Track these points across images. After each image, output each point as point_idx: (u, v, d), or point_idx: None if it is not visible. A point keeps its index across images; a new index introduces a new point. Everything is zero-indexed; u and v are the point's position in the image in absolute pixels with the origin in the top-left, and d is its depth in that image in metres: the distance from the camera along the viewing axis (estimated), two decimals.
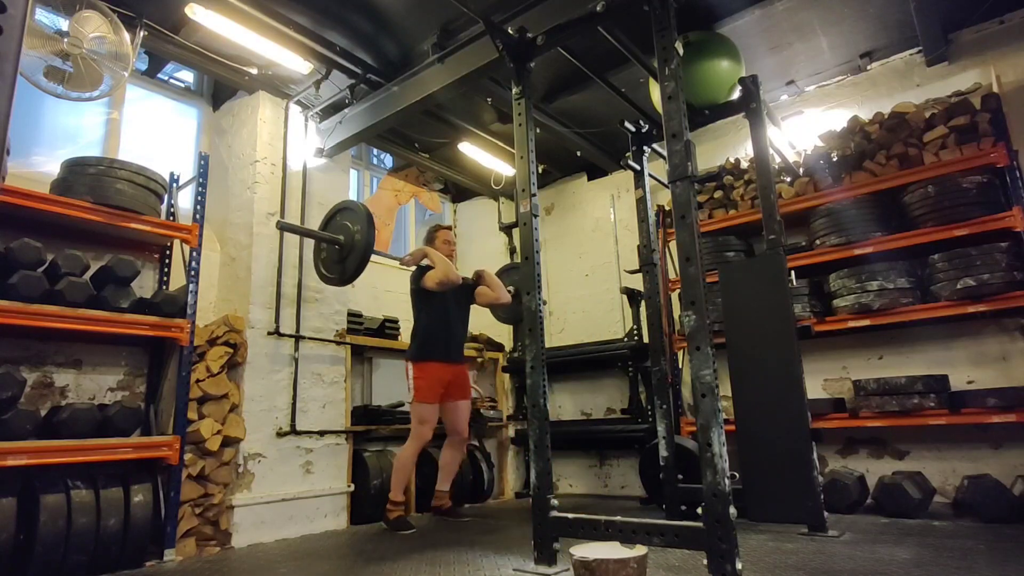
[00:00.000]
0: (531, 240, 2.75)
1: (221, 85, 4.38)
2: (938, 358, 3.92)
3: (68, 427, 2.80)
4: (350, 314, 4.49)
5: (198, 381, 3.40)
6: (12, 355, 3.02)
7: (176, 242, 3.57)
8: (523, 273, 2.76)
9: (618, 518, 2.29)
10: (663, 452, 3.54)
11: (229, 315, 3.72)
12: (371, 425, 4.39)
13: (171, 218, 3.55)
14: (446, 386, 3.84)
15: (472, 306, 4.14)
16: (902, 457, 3.96)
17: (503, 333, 5.94)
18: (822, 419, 3.86)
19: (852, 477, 3.65)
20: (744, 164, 4.71)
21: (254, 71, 4.01)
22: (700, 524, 2.02)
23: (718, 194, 4.71)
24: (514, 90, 2.94)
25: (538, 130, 4.54)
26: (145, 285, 3.54)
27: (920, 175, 3.79)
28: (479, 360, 5.34)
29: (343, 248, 3.73)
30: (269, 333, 3.84)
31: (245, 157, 4.13)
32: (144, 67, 4.09)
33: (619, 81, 4.31)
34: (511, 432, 5.52)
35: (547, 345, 2.84)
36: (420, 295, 3.87)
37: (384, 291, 5.37)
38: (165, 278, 3.64)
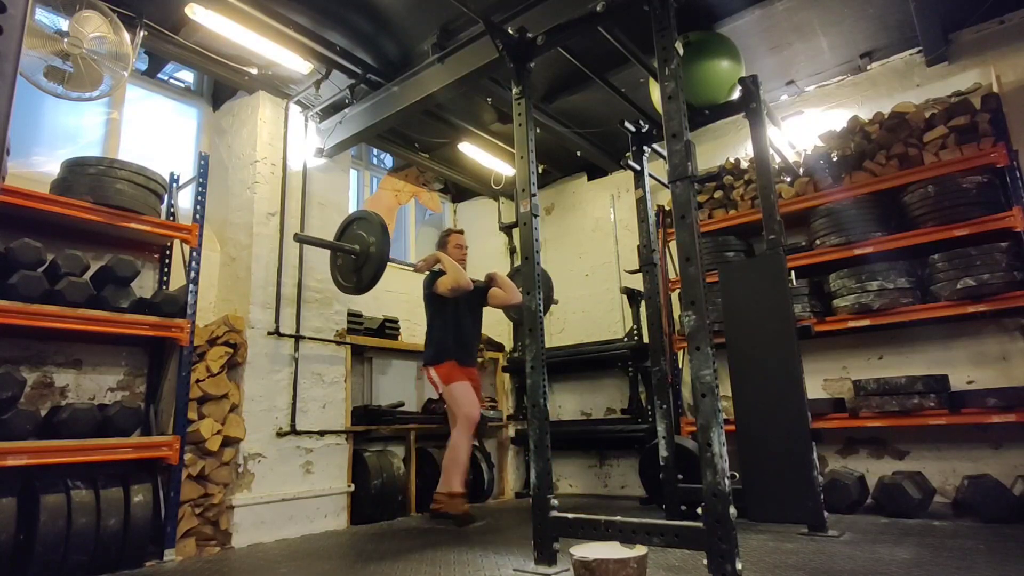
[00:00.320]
0: (531, 240, 2.75)
1: (221, 85, 4.38)
2: (938, 358, 3.92)
3: (68, 427, 2.80)
4: (350, 314, 4.49)
5: (198, 381, 3.40)
6: (12, 355, 3.02)
7: (176, 242, 3.57)
8: (523, 273, 2.77)
9: (618, 518, 2.29)
10: (663, 452, 3.54)
11: (229, 315, 3.72)
12: (371, 425, 4.39)
13: (171, 218, 3.55)
14: None
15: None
16: (902, 457, 3.96)
17: (503, 333, 5.95)
18: (822, 419, 3.86)
19: (852, 477, 3.65)
20: (744, 164, 4.71)
21: (254, 71, 4.01)
22: (700, 524, 2.02)
23: (718, 194, 4.71)
24: (514, 90, 2.94)
25: (538, 130, 4.54)
26: (145, 285, 3.54)
27: (920, 175, 3.79)
28: (479, 360, 5.34)
29: (359, 257, 3.75)
30: (269, 333, 3.84)
31: (245, 157, 4.13)
32: (144, 67, 4.09)
33: (619, 81, 4.31)
34: (511, 432, 5.53)
35: (547, 345, 2.84)
36: (433, 300, 3.89)
37: (384, 291, 5.35)
38: (165, 278, 3.64)
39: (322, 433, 4.00)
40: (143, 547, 2.91)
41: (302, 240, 3.71)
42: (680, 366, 4.75)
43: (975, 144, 3.67)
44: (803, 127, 4.70)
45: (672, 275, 4.89)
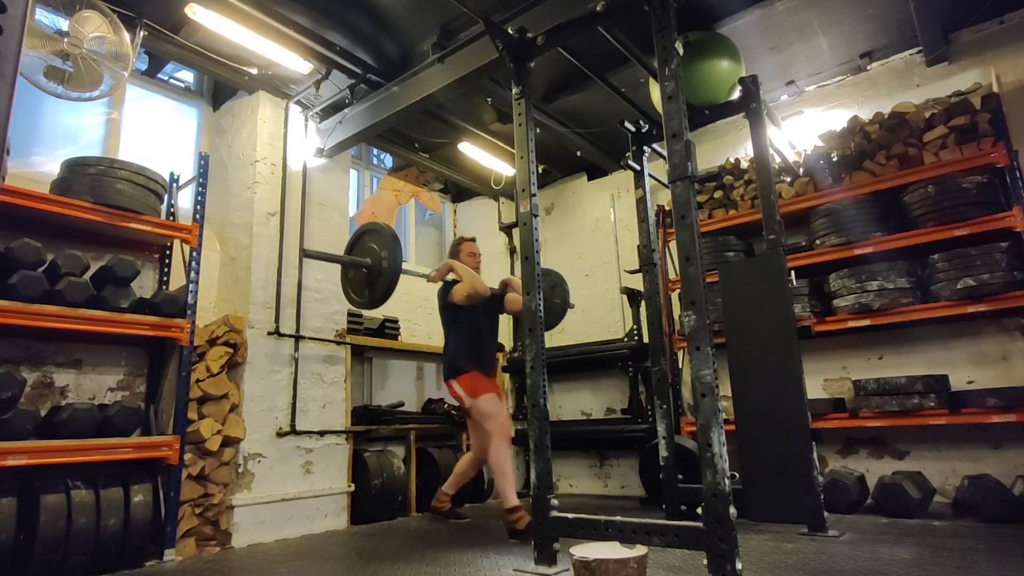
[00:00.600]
0: (531, 240, 2.75)
1: (221, 85, 4.38)
2: (938, 358, 3.92)
3: (68, 427, 2.80)
4: (350, 314, 4.49)
5: (198, 381, 3.40)
6: (12, 355, 3.02)
7: (176, 242, 3.57)
8: (523, 273, 2.77)
9: (618, 518, 2.29)
10: (663, 452, 3.54)
11: (229, 315, 3.72)
12: (371, 425, 4.40)
13: (171, 218, 3.55)
14: None
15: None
16: (902, 457, 3.96)
17: (503, 333, 5.94)
18: (822, 419, 3.86)
19: (852, 477, 3.65)
20: (744, 164, 4.71)
21: (254, 71, 4.01)
22: (700, 524, 2.02)
23: (718, 194, 4.71)
24: (514, 90, 2.94)
25: (538, 130, 4.54)
26: (145, 285, 3.54)
27: (920, 175, 3.79)
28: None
29: (371, 271, 3.65)
30: (269, 333, 3.84)
31: (245, 157, 4.13)
32: (144, 67, 4.09)
33: (619, 81, 4.31)
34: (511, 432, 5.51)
35: (547, 345, 2.84)
36: (449, 310, 3.75)
37: None
38: (165, 278, 3.64)
39: (322, 433, 4.00)
40: (143, 547, 2.91)
41: (310, 255, 3.62)
42: (680, 366, 4.75)
43: (975, 144, 3.67)
44: (803, 127, 4.71)
45: (672, 275, 4.89)
